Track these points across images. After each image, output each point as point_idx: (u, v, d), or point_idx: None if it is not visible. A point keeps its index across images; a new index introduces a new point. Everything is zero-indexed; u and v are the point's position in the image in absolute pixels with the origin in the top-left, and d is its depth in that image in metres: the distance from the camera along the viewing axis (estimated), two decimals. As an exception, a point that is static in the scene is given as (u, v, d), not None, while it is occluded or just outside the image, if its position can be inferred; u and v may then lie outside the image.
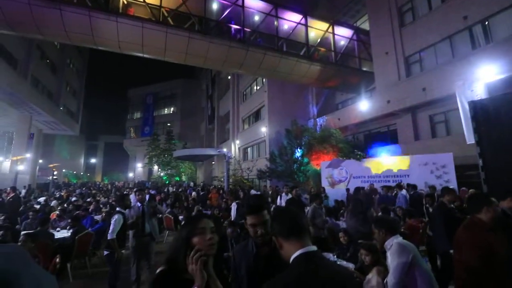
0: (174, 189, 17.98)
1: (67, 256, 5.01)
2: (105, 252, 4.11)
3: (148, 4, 11.47)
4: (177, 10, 11.98)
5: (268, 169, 15.02)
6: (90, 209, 8.54)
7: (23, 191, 13.87)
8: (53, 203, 10.28)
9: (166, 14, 11.77)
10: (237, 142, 24.06)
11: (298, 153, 13.97)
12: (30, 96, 19.30)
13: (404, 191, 7.61)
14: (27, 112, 20.84)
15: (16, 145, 21.14)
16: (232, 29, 13.27)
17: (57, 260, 3.61)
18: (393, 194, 7.76)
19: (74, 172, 42.69)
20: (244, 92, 24.69)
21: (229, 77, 26.74)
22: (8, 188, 10.46)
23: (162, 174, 31.32)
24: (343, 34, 16.07)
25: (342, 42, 16.22)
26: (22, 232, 4.50)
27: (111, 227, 3.98)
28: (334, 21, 15.78)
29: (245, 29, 13.04)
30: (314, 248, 1.24)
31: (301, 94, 19.88)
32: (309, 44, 14.57)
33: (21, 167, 18.77)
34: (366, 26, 16.29)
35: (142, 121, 41.78)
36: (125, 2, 11.87)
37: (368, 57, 15.78)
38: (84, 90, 33.80)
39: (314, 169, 13.44)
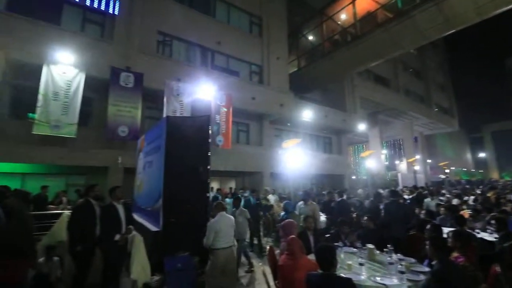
0: None
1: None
2: None
3: None
4: None
5: None
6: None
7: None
8: (454, 201, 10.06)
9: None
10: None
11: None
12: (405, 105, 22.20)
13: None
14: (406, 120, 24.06)
15: (406, 149, 24.96)
16: None
17: (497, 269, 3.09)
18: None
19: (464, 169, 40.28)
20: None
21: None
22: (408, 187, 12.22)
23: None
24: None
25: None
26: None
27: None
28: None
29: None
30: None
31: None
32: None
33: (416, 167, 21.41)
34: None
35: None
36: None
37: None
38: (451, 83, 32.05)
39: None
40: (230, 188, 11.58)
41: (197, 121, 5.03)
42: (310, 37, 17.76)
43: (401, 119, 24.01)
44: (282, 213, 6.04)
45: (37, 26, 7.92)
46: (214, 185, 11.75)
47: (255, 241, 6.63)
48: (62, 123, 7.77)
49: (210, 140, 4.91)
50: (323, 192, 10.95)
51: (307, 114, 14.19)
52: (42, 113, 7.54)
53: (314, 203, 5.61)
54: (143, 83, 9.14)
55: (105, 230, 3.87)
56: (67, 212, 4.71)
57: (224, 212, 3.77)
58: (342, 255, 3.44)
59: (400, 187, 17.89)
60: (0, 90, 7.48)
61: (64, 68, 7.92)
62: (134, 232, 4.19)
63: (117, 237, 3.86)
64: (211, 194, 9.05)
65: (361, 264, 3.00)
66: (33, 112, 7.63)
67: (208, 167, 4.74)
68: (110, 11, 9.68)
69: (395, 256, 3.25)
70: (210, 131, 4.95)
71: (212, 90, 10.42)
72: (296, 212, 6.03)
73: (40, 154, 7.88)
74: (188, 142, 4.67)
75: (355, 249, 3.78)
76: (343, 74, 15.89)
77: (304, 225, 3.94)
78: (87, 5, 9.37)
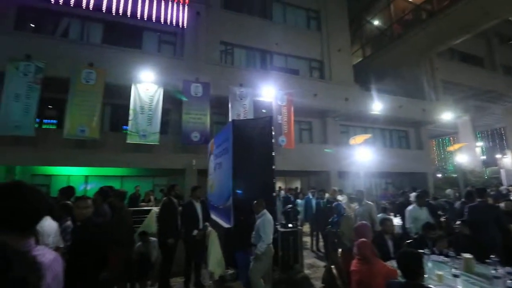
0: None
1: None
2: None
3: None
4: None
5: None
6: None
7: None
8: None
9: None
10: None
11: None
12: (505, 86, 18.10)
13: None
14: (509, 103, 19.60)
15: (510, 140, 20.30)
16: None
17: None
18: None
19: None
20: None
21: None
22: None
23: None
24: None
25: None
26: None
27: None
28: None
29: None
30: None
31: None
32: None
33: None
34: None
35: None
36: None
37: None
38: None
39: None
40: (296, 188, 11.45)
41: (260, 122, 5.16)
42: (376, 22, 16.23)
43: (501, 103, 19.64)
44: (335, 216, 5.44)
45: (125, 52, 9.46)
46: (280, 184, 11.83)
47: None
48: (148, 132, 9.06)
49: (273, 141, 4.97)
50: (398, 193, 9.82)
51: (377, 106, 12.96)
52: (133, 125, 8.96)
53: (370, 202, 5.02)
54: (210, 92, 9.91)
55: (185, 225, 4.32)
56: (155, 209, 5.44)
57: (265, 210, 3.82)
58: (429, 264, 3.02)
59: (504, 186, 14.64)
60: (102, 109, 9.20)
61: (146, 86, 9.23)
62: (210, 228, 4.54)
63: (195, 232, 4.26)
64: (280, 194, 9.10)
65: (455, 276, 2.56)
66: (126, 125, 9.13)
67: (273, 167, 4.80)
68: (180, 31, 10.84)
69: (501, 269, 2.68)
70: (273, 132, 5.02)
71: (272, 91, 10.55)
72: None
73: (134, 160, 9.36)
74: (253, 143, 4.84)
75: (446, 258, 3.26)
76: (419, 57, 13.99)
77: (382, 228, 3.61)
78: (161, 29, 10.71)
